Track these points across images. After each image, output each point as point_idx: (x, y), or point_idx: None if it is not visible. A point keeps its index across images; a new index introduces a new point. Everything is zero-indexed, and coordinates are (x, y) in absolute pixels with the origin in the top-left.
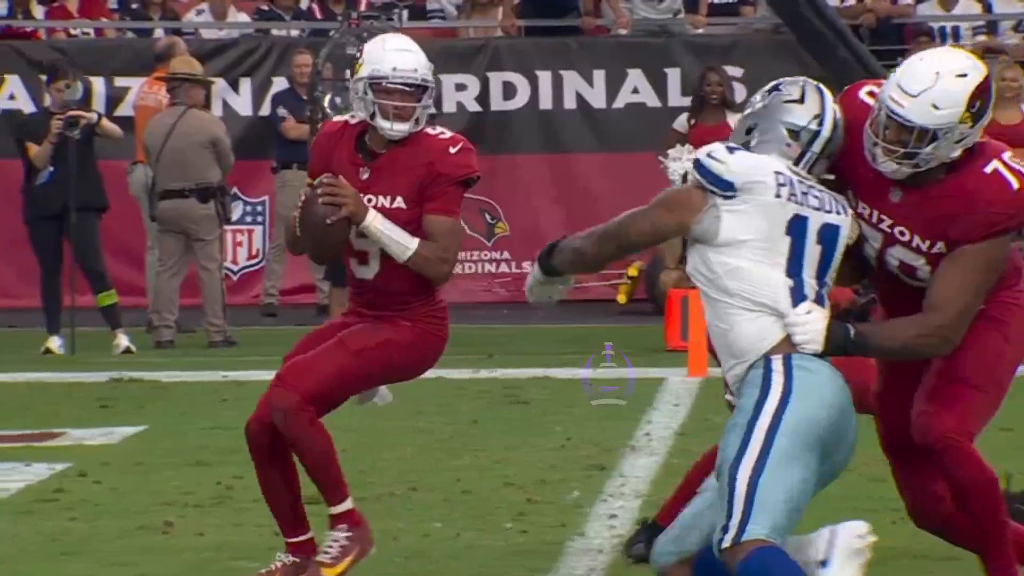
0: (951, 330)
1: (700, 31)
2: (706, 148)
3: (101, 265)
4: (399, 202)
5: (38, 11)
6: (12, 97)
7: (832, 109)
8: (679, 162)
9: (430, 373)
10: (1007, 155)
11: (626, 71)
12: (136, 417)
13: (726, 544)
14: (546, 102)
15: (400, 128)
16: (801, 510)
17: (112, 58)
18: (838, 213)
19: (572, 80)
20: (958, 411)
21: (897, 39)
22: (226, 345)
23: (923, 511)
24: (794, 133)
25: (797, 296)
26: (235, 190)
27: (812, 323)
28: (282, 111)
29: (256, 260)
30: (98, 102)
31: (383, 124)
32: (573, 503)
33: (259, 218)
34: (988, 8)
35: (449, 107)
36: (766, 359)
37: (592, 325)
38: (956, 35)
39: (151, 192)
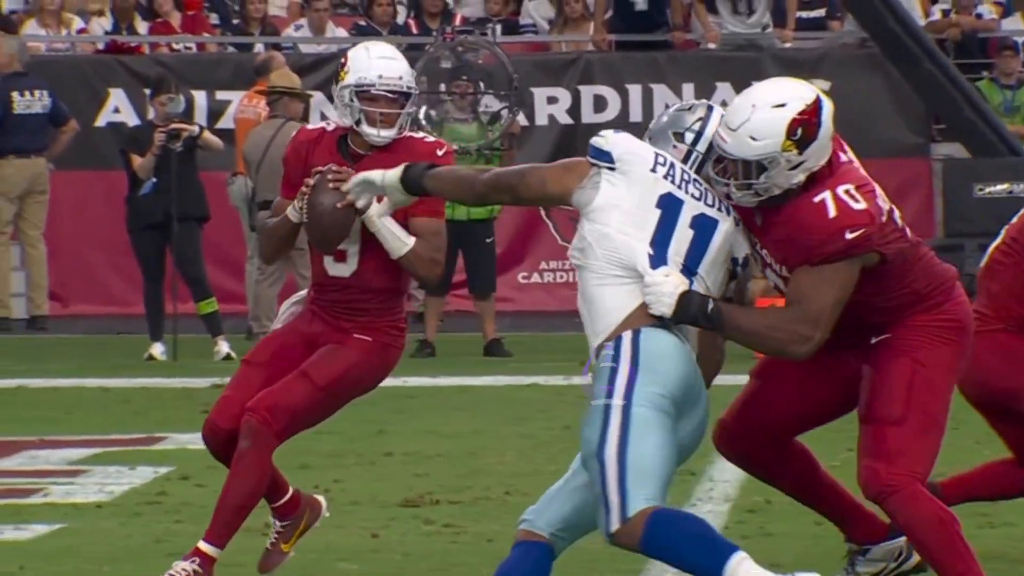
0: (805, 329)
1: (788, 45)
2: None
3: (202, 273)
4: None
5: (142, 27)
6: (116, 110)
7: (712, 125)
8: None
9: (526, 380)
10: (845, 186)
11: (715, 84)
12: None
13: (615, 527)
14: (636, 115)
15: (386, 134)
16: (671, 473)
17: (213, 72)
18: (719, 211)
19: (662, 93)
20: (887, 455)
21: (981, 53)
22: None
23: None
24: (678, 135)
25: (656, 264)
26: None
27: (665, 286)
28: None
29: None
30: (200, 115)
31: (369, 131)
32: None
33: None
34: None
35: (541, 120)
36: (616, 339)
37: None
38: None
39: (251, 202)
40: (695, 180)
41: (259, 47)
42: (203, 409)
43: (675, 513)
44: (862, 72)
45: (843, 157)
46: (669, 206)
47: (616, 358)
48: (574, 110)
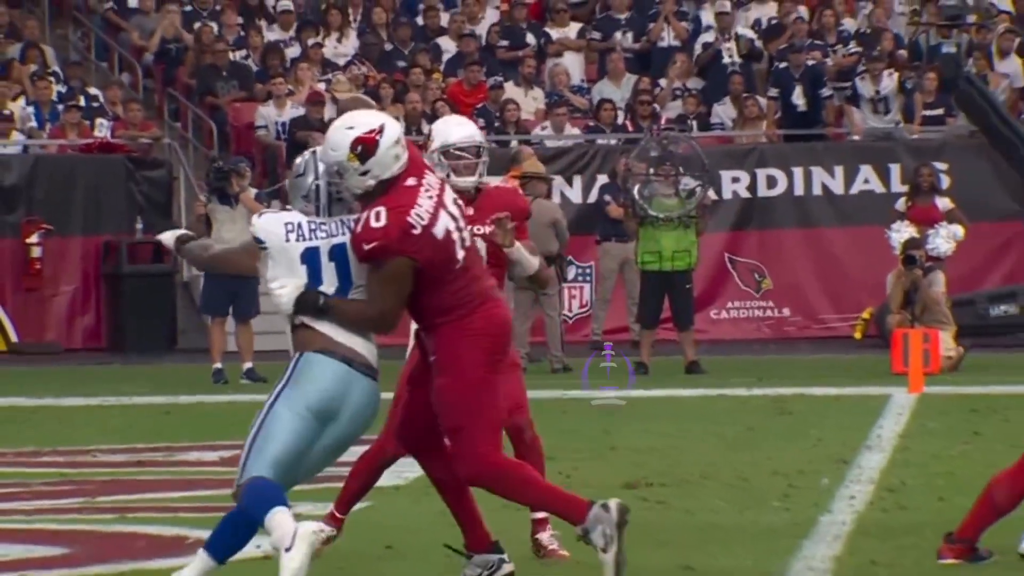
0: (375, 315)
1: (916, 136)
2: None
3: None
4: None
5: (425, 128)
6: None
7: (323, 167)
8: (899, 232)
9: (716, 392)
10: (378, 209)
11: (859, 167)
12: None
13: (233, 488)
14: (799, 190)
15: (468, 181)
16: (297, 454)
17: None
18: (343, 234)
19: (819, 173)
20: (461, 451)
21: None
22: (564, 371)
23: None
24: (305, 198)
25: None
26: (570, 257)
27: (283, 296)
28: (607, 197)
29: (585, 309)
30: None
31: (456, 180)
32: (823, 488)
33: (587, 277)
34: None
35: (726, 195)
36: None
37: (836, 355)
38: None
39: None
40: (323, 224)
41: (514, 142)
42: None
43: (264, 483)
44: (974, 156)
45: (410, 182)
46: (311, 258)
47: (285, 370)
48: (751, 187)
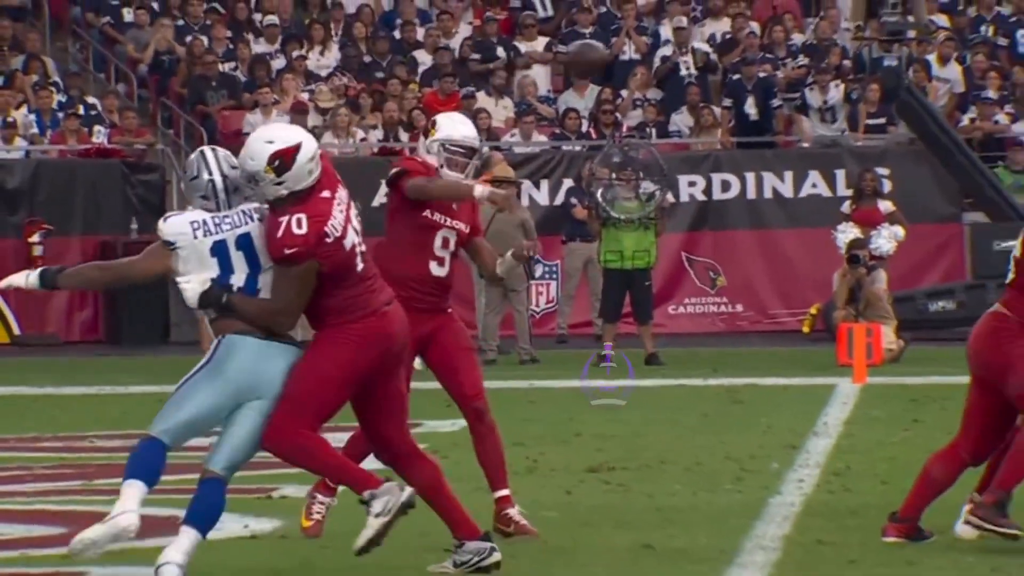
0: (276, 313)
1: (860, 143)
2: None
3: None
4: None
5: (403, 136)
6: (386, 194)
7: (214, 163)
8: (844, 233)
9: (675, 382)
10: (299, 216)
11: (807, 171)
12: None
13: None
14: (751, 194)
15: (458, 176)
16: (205, 420)
17: None
18: (246, 224)
19: (770, 178)
20: (279, 418)
21: (999, 148)
22: (532, 362)
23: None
24: (204, 197)
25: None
26: (537, 256)
27: (188, 292)
28: (573, 200)
29: (552, 304)
30: None
31: (447, 173)
32: (774, 472)
33: (554, 275)
34: None
35: (683, 198)
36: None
37: (785, 347)
38: None
39: None
40: (226, 216)
41: (485, 149)
42: (447, 404)
43: (147, 446)
44: (913, 163)
45: (324, 194)
46: (220, 251)
47: (210, 349)
48: (707, 191)
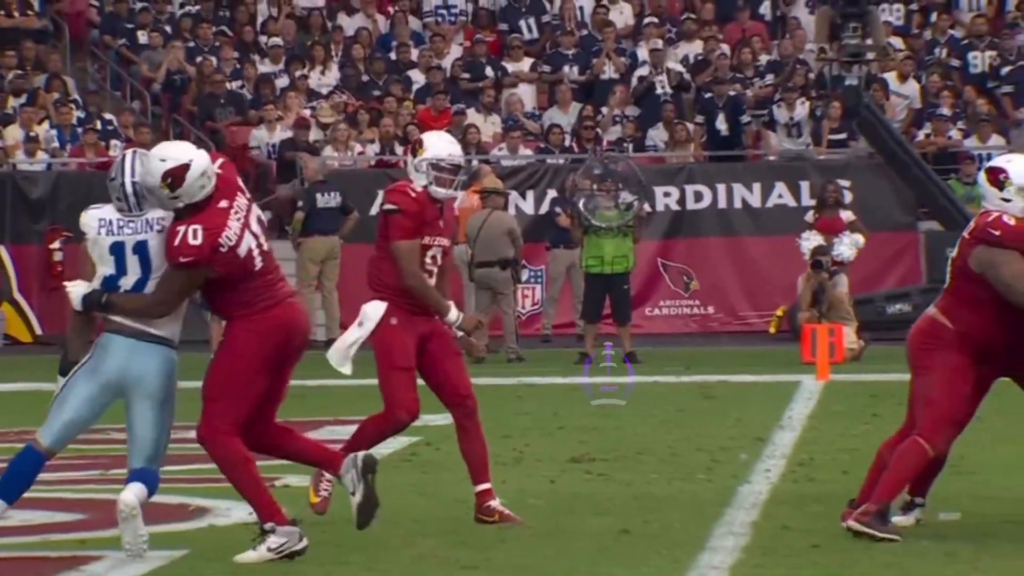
0: (159, 307)
1: (823, 157)
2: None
3: None
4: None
5: (399, 149)
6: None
7: (129, 168)
8: (808, 241)
9: (651, 379)
10: (196, 227)
11: (774, 183)
12: None
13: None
14: (722, 203)
15: (445, 192)
16: (85, 418)
17: None
18: (146, 232)
19: (739, 189)
20: (205, 418)
21: (952, 161)
22: (518, 360)
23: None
24: (118, 198)
25: (108, 285)
26: (524, 262)
27: (72, 294)
28: (557, 209)
29: (537, 306)
30: None
31: (435, 190)
32: (743, 462)
33: (539, 279)
34: (1010, 139)
35: (659, 207)
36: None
37: (753, 347)
38: (990, 158)
39: (470, 263)
40: (133, 220)
41: (475, 161)
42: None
43: (24, 455)
44: (872, 175)
45: (222, 204)
46: (117, 251)
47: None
48: (681, 201)
